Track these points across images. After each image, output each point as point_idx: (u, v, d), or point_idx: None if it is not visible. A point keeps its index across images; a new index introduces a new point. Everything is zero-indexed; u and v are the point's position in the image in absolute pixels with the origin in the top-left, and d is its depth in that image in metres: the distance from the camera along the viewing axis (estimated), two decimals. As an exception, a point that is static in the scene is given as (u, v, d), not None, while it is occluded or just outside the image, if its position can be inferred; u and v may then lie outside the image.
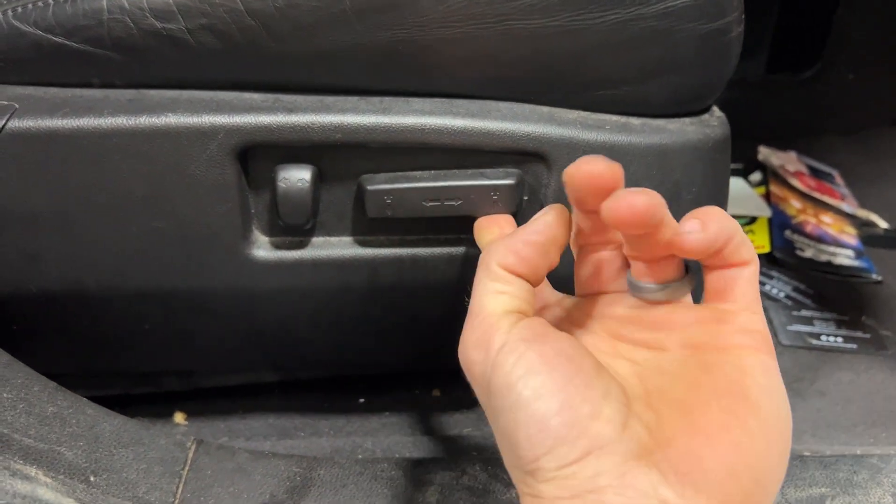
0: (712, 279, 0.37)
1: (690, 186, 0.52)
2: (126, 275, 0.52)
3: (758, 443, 0.33)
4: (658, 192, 0.50)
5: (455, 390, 0.76)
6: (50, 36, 0.47)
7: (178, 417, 0.67)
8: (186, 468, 0.53)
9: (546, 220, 0.39)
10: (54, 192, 0.49)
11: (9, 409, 0.48)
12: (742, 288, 0.36)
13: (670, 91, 0.51)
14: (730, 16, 0.49)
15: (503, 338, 0.35)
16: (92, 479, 0.48)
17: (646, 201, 0.32)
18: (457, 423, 0.72)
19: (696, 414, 0.33)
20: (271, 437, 0.69)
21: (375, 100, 0.50)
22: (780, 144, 1.28)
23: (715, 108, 0.56)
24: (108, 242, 0.51)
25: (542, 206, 0.51)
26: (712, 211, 0.35)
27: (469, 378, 0.38)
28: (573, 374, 0.34)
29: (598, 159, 0.34)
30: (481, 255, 0.39)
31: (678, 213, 0.52)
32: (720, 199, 0.55)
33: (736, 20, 0.50)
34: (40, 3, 0.47)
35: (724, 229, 0.34)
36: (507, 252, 0.38)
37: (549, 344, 0.35)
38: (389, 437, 0.70)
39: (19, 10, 0.47)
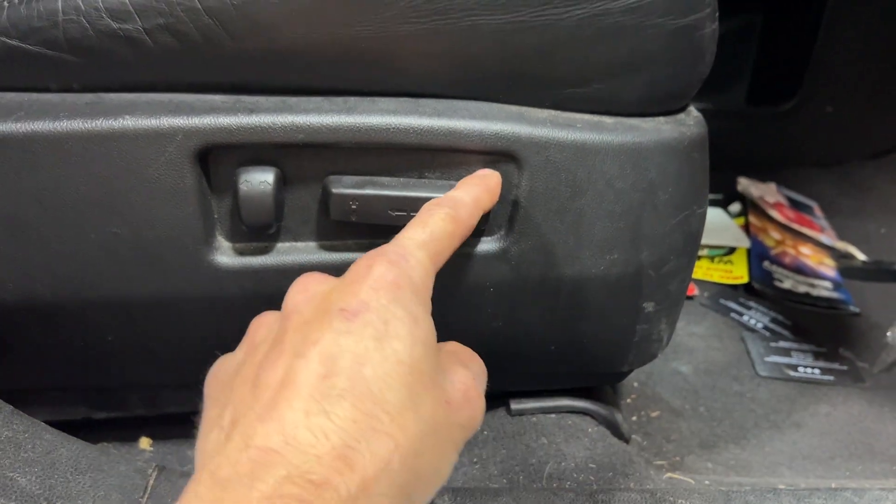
0: None
1: (666, 186, 0.51)
2: (85, 283, 0.50)
3: None
4: (633, 191, 0.50)
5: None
6: (5, 39, 0.46)
7: (144, 443, 0.64)
8: (146, 496, 0.51)
9: None
10: (9, 199, 0.47)
11: (-39, 435, 0.47)
12: None
13: (642, 89, 0.50)
14: (701, 11, 0.49)
15: None
16: (47, 506, 0.47)
17: None
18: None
19: None
20: (239, 465, 0.67)
21: (339, 100, 0.48)
22: (760, 176, 1.28)
23: (692, 108, 0.56)
24: (66, 250, 0.49)
25: (512, 208, 0.50)
26: None
27: None
28: None
29: None
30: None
31: (655, 213, 0.51)
32: (697, 199, 0.54)
33: (708, 16, 0.49)
34: (-5, 7, 0.46)
35: None
36: None
37: None
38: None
39: None
